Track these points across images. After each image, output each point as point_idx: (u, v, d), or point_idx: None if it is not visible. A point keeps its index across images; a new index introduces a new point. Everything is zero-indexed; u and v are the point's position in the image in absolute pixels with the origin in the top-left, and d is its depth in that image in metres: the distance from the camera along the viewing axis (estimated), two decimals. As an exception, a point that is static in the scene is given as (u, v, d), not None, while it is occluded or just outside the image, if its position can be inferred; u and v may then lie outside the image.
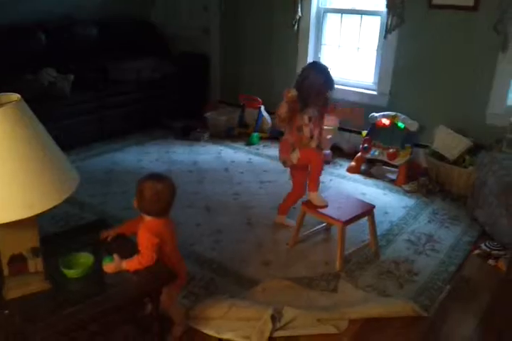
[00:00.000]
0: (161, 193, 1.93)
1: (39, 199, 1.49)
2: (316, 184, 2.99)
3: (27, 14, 4.64)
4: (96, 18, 5.15)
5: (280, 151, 3.14)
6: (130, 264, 1.87)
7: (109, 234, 2.07)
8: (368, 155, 4.18)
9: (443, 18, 3.94)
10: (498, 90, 3.84)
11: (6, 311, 1.64)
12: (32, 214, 1.48)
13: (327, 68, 2.99)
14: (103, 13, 5.25)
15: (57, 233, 2.43)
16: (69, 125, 4.34)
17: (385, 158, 4.08)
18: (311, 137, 3.02)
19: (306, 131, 2.99)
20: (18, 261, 1.65)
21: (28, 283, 1.70)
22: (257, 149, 4.74)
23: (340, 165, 4.36)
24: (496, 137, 3.73)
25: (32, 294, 1.70)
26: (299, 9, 4.62)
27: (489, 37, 3.73)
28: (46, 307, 1.68)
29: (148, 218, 1.98)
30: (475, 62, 3.89)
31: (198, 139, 4.89)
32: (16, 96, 1.56)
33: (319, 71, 2.96)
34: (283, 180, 4.02)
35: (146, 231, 1.93)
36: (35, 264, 1.69)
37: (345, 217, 2.79)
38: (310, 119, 2.98)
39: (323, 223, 3.16)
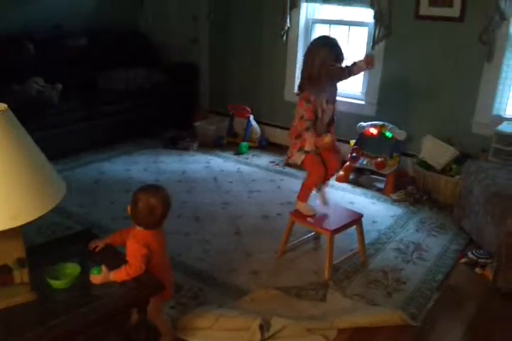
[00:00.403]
0: (154, 207, 1.93)
1: (24, 209, 1.48)
2: (307, 193, 2.94)
3: (16, 24, 4.64)
4: (85, 27, 5.15)
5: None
6: (118, 275, 1.86)
7: (97, 244, 2.06)
8: (356, 165, 4.20)
9: (429, 28, 3.99)
10: (484, 100, 3.89)
11: (-9, 323, 1.62)
12: (16, 225, 1.47)
13: (332, 39, 2.80)
14: (92, 22, 5.26)
15: (43, 243, 2.41)
16: (57, 134, 4.32)
17: (373, 167, 4.11)
18: (331, 122, 2.90)
19: (325, 115, 2.84)
20: (3, 272, 1.64)
21: (13, 295, 1.68)
22: (246, 158, 4.75)
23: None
24: (482, 146, 3.78)
25: (17, 305, 1.69)
26: (288, 20, 4.66)
27: (475, 47, 3.78)
28: (32, 318, 1.67)
29: (138, 228, 1.97)
30: (461, 72, 3.94)
31: (186, 149, 4.89)
32: (2, 105, 1.55)
33: (324, 44, 2.76)
34: (271, 189, 4.03)
35: (135, 242, 1.93)
36: (21, 275, 1.68)
37: (333, 226, 2.80)
38: (327, 102, 2.85)
39: (311, 232, 3.16)
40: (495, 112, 3.90)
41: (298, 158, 2.92)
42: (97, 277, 1.84)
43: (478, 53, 3.79)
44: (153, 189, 2.00)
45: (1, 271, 1.63)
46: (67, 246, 2.10)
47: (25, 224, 1.50)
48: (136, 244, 1.92)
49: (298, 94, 2.88)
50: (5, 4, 4.59)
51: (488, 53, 3.74)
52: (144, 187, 1.99)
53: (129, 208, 1.97)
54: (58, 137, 4.33)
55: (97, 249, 2.05)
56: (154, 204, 1.92)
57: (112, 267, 1.87)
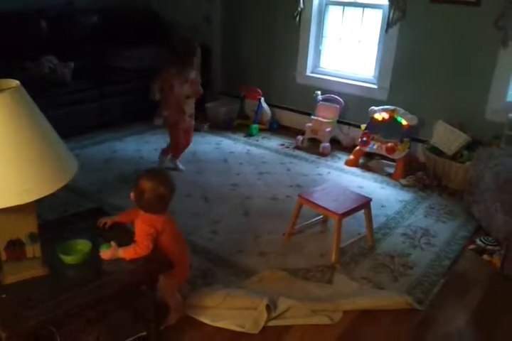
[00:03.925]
0: (164, 195, 1.94)
1: (36, 185, 1.49)
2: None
3: (28, 1, 4.62)
4: (97, 5, 5.12)
5: None
6: (126, 252, 1.88)
7: (106, 221, 2.08)
8: (367, 149, 4.19)
9: (444, 12, 3.93)
10: (498, 86, 3.84)
11: (4, 295, 1.65)
12: (29, 200, 1.49)
13: None
14: (104, 0, 5.22)
15: (55, 220, 2.45)
16: (69, 112, 4.34)
17: (383, 152, 4.09)
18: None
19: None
20: (16, 246, 1.67)
21: (25, 269, 1.71)
22: (257, 140, 4.74)
23: (339, 158, 4.37)
24: (494, 133, 3.74)
25: (29, 279, 1.72)
26: (301, 1, 4.60)
27: (490, 32, 3.72)
28: (43, 292, 1.70)
29: (143, 213, 1.99)
30: (475, 57, 3.89)
31: (197, 130, 4.87)
32: (14, 82, 1.55)
33: None
34: (281, 171, 4.04)
35: (142, 222, 1.95)
36: (33, 250, 1.70)
37: (342, 210, 2.80)
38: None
39: (320, 215, 3.17)
40: (509, 99, 3.85)
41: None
42: (106, 252, 1.87)
43: (494, 38, 3.73)
44: (158, 176, 1.98)
45: (14, 245, 1.66)
46: (78, 223, 2.12)
47: (37, 200, 1.52)
48: (142, 224, 1.94)
49: None
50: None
51: (504, 38, 3.67)
52: (147, 174, 1.97)
53: (132, 195, 1.97)
54: (70, 115, 4.35)
55: (106, 226, 2.07)
56: (163, 192, 1.93)
57: (122, 244, 1.89)
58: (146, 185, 1.93)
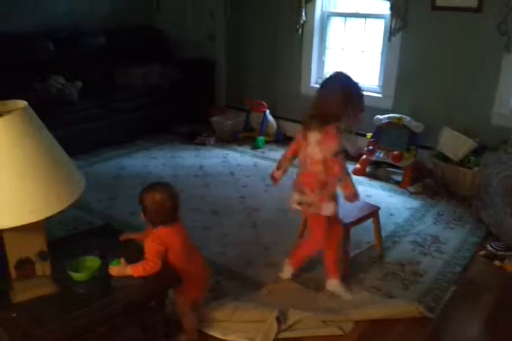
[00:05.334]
0: (161, 202, 1.96)
1: (45, 204, 1.52)
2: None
3: (36, 23, 4.72)
4: (102, 26, 5.21)
5: None
6: (135, 269, 1.89)
7: (128, 236, 2.16)
8: (373, 158, 4.19)
9: (446, 19, 3.95)
10: (504, 90, 3.84)
11: (14, 314, 1.67)
12: (38, 219, 1.52)
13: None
14: (109, 21, 5.32)
15: (64, 237, 2.48)
16: (77, 131, 4.40)
17: (389, 160, 4.09)
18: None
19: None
20: (25, 265, 1.69)
21: (35, 287, 1.74)
22: (263, 153, 4.77)
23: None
24: (501, 138, 3.73)
25: (39, 297, 1.74)
26: (303, 13, 4.65)
27: (493, 38, 3.74)
28: (54, 310, 1.72)
29: (155, 230, 2.00)
30: (480, 63, 3.90)
31: (204, 144, 4.93)
32: (22, 103, 1.59)
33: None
34: (287, 183, 4.03)
35: (151, 240, 1.96)
36: (43, 268, 1.73)
37: (349, 219, 2.80)
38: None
39: (328, 225, 3.16)
40: (514, 103, 3.85)
41: (328, 208, 2.45)
42: (115, 268, 1.89)
43: (497, 44, 3.74)
44: (154, 185, 2.02)
45: (24, 263, 1.68)
46: (87, 240, 2.15)
47: (46, 219, 1.55)
48: (151, 242, 1.96)
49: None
50: (25, 4, 4.67)
51: (507, 43, 3.69)
52: (145, 188, 2.02)
53: (142, 214, 2.01)
54: (78, 134, 4.41)
55: (122, 239, 2.14)
56: (159, 199, 1.95)
57: (132, 261, 1.91)
58: (144, 195, 1.98)
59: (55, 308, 1.73)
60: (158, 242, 1.95)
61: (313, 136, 2.33)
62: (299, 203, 2.46)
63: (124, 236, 2.17)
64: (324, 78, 2.46)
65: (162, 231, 1.98)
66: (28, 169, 1.51)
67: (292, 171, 2.64)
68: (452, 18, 3.92)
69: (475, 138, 3.79)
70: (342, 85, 2.33)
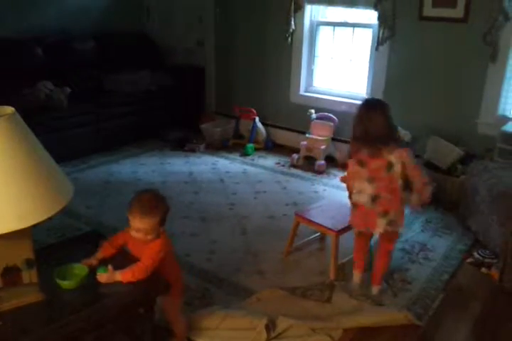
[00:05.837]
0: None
1: (32, 211, 1.51)
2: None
3: (24, 29, 4.70)
4: (92, 31, 5.20)
5: None
6: (124, 276, 1.88)
7: (91, 262, 1.94)
8: (362, 165, 4.20)
9: (433, 29, 4.00)
10: (489, 100, 3.89)
11: (0, 323, 1.64)
12: (24, 226, 1.49)
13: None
14: (99, 26, 5.31)
15: (52, 244, 2.45)
16: (66, 137, 4.38)
17: (378, 168, 4.10)
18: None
19: None
20: (12, 273, 1.67)
21: (22, 295, 1.71)
22: (252, 160, 4.77)
23: (335, 176, 4.39)
24: (487, 146, 3.78)
25: (26, 305, 1.71)
26: (293, 22, 4.69)
27: (479, 48, 3.79)
28: (41, 318, 1.69)
29: (157, 238, 1.96)
30: (466, 73, 3.95)
31: (193, 150, 4.93)
32: (10, 109, 1.58)
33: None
34: (277, 189, 4.05)
35: (158, 249, 1.92)
36: (30, 275, 1.70)
37: (338, 227, 2.81)
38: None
39: (317, 232, 3.18)
40: (500, 112, 3.90)
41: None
42: (103, 275, 1.87)
43: (483, 54, 3.79)
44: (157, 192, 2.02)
45: (10, 271, 1.66)
46: (75, 247, 2.13)
47: (33, 226, 1.53)
48: (158, 251, 1.92)
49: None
50: (14, 9, 4.66)
51: (493, 54, 3.74)
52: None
53: (151, 225, 1.95)
54: (67, 139, 4.39)
55: (92, 266, 1.93)
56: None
57: (118, 267, 1.89)
58: (161, 203, 1.96)
59: (42, 316, 1.70)
60: (164, 250, 1.94)
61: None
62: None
63: (86, 263, 1.92)
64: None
65: (167, 240, 1.98)
66: (15, 175, 1.49)
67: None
68: (439, 28, 3.97)
69: (462, 147, 3.83)
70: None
